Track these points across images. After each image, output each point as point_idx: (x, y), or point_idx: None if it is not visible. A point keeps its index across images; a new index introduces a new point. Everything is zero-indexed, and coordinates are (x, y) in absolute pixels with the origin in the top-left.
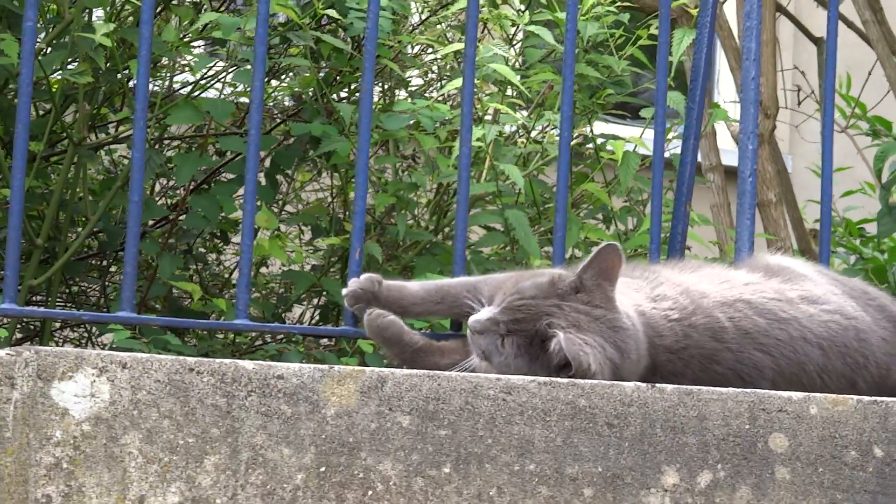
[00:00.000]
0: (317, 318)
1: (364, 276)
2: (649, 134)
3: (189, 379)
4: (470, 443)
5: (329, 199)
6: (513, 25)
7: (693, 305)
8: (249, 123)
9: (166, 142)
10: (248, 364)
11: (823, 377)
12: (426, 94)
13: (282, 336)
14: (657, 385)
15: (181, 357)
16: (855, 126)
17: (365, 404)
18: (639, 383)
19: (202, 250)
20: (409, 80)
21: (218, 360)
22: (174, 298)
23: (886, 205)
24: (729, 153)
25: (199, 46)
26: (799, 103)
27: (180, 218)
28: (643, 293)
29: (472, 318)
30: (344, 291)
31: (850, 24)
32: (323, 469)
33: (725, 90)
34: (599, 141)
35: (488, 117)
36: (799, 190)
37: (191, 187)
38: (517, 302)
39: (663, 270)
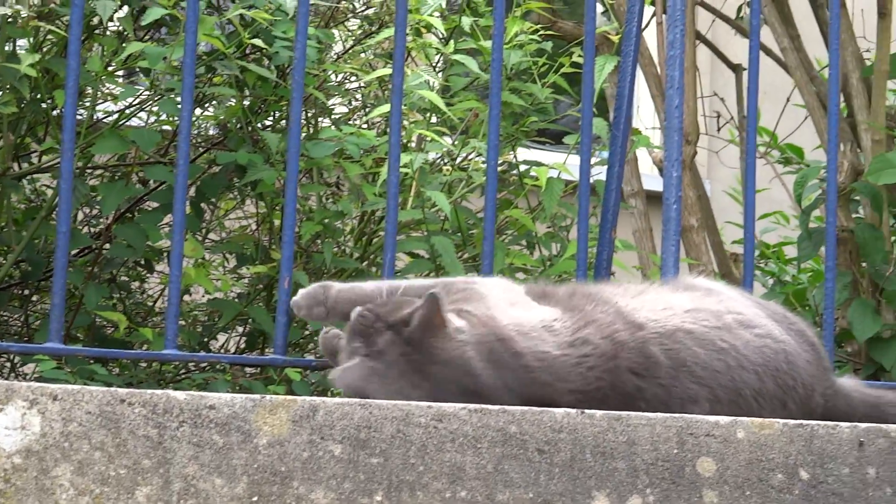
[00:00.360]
0: (242, 345)
1: (312, 286)
2: (572, 159)
3: (120, 410)
4: (402, 470)
5: (253, 227)
6: (437, 53)
7: (616, 348)
8: (177, 154)
9: (89, 171)
10: (179, 394)
11: (759, 400)
12: (350, 122)
13: (205, 365)
14: (587, 411)
15: (112, 388)
16: (769, 154)
17: (297, 433)
18: (569, 409)
19: (125, 279)
20: (332, 107)
21: (149, 391)
22: (97, 328)
23: (806, 230)
24: (649, 178)
25: (121, 76)
26: (718, 129)
27: (105, 247)
28: (560, 338)
29: None
30: (291, 301)
31: (768, 52)
32: (255, 499)
33: (646, 116)
34: (523, 167)
35: (412, 144)
36: (716, 213)
37: (114, 216)
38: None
39: (604, 295)
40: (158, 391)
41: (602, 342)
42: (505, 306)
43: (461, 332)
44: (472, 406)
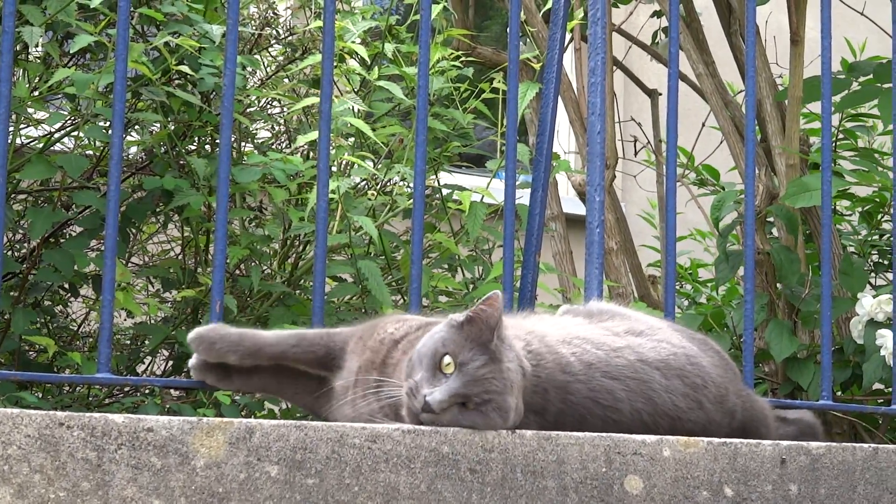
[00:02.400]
0: (169, 369)
1: (210, 325)
2: (494, 183)
3: (59, 433)
4: (337, 491)
5: (177, 251)
6: (361, 79)
7: (539, 343)
8: (109, 179)
9: (12, 196)
10: (117, 417)
11: (671, 395)
12: (274, 148)
13: (129, 388)
14: (517, 431)
15: (51, 412)
16: (686, 177)
17: (234, 455)
18: (500, 430)
19: (48, 303)
20: (255, 132)
21: (88, 414)
22: (22, 352)
23: (724, 252)
24: (567, 202)
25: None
26: (636, 153)
27: (32, 272)
28: None
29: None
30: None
31: (683, 77)
32: None
33: (563, 140)
34: (445, 191)
35: (334, 168)
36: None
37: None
38: None
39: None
40: (97, 414)
41: (527, 336)
42: None
43: None
44: (405, 427)
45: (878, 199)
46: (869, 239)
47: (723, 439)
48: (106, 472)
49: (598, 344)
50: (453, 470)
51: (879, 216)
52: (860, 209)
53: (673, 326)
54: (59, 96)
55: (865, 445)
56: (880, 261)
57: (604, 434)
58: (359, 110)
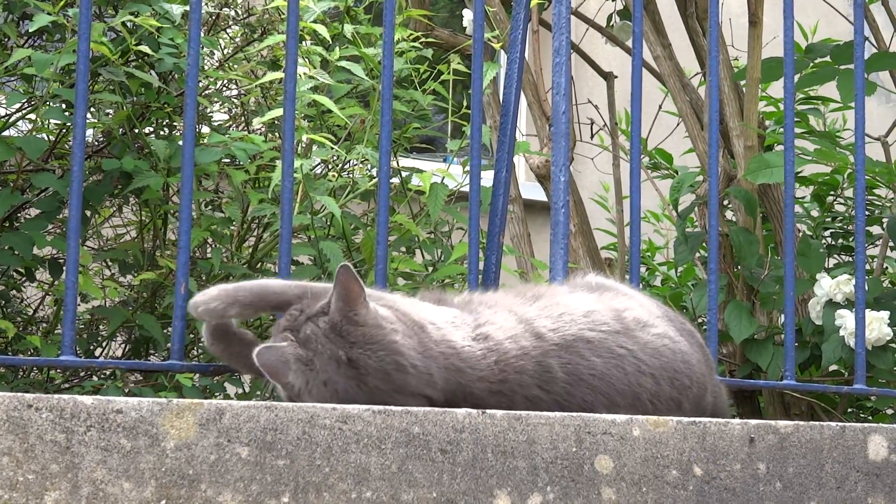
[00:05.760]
0: (127, 352)
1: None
2: (446, 166)
3: (28, 415)
4: (308, 472)
5: (134, 234)
6: (321, 60)
7: (520, 352)
8: (72, 160)
9: None
10: (86, 399)
11: (655, 402)
12: (231, 130)
13: (84, 373)
14: (487, 411)
15: (19, 394)
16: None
17: (204, 436)
18: (470, 410)
19: (1, 287)
20: (211, 115)
21: (56, 396)
22: None
23: (683, 234)
24: (523, 186)
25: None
26: (592, 136)
27: None
28: (464, 332)
29: None
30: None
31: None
32: (163, 502)
33: (521, 122)
34: (404, 174)
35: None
36: None
37: None
38: None
39: (501, 302)
40: (65, 396)
41: (505, 342)
42: (412, 303)
43: (386, 319)
44: (375, 407)
45: (828, 181)
46: (822, 221)
47: (692, 419)
48: (75, 454)
49: (600, 351)
50: (424, 450)
51: (831, 198)
52: (811, 190)
53: (667, 315)
54: (13, 78)
55: (833, 424)
56: (833, 243)
57: (574, 414)
58: (318, 87)
